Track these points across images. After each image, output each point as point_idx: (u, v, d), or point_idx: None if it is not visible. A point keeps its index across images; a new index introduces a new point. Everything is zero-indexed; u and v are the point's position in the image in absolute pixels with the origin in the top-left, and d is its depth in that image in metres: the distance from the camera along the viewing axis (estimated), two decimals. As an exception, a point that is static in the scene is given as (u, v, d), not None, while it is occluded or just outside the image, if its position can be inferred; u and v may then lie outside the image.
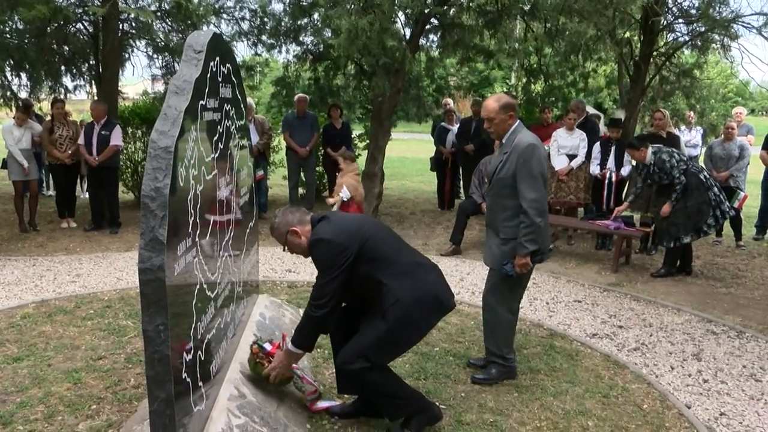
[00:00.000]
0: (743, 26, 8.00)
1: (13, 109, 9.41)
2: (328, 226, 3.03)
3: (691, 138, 9.45)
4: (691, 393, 3.88)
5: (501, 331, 3.85)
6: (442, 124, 10.12)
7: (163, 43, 9.78)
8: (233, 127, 3.55)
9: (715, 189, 6.19)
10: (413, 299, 2.97)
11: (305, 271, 6.33)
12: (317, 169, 10.05)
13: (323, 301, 2.94)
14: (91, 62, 9.95)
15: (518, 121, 3.72)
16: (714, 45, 8.70)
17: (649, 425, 3.41)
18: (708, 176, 6.32)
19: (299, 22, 9.52)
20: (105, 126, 7.77)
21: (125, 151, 9.46)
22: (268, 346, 3.26)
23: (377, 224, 3.30)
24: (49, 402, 3.38)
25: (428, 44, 9.99)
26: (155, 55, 10.11)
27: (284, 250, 3.23)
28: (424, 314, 3.05)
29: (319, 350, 4.14)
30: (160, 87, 10.73)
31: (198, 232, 2.69)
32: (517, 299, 3.91)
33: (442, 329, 4.68)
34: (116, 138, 7.82)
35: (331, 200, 7.08)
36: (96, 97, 9.04)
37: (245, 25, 9.92)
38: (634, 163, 7.40)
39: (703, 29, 8.40)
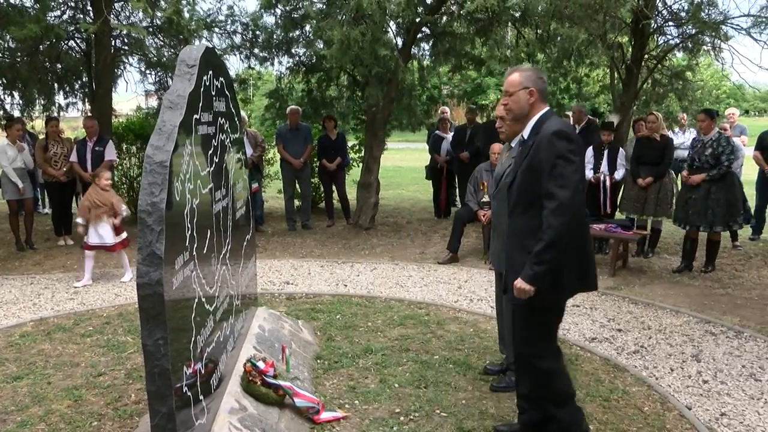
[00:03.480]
0: (732, 27, 8.06)
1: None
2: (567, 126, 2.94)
3: (684, 140, 9.50)
4: (692, 394, 3.88)
5: None
6: (437, 132, 10.14)
7: (155, 59, 9.82)
8: (228, 140, 3.56)
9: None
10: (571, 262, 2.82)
11: (303, 282, 6.33)
12: (312, 180, 10.07)
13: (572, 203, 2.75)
14: (84, 79, 9.97)
15: None
16: (705, 47, 8.76)
17: (651, 427, 3.41)
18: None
19: (291, 35, 9.56)
20: (98, 142, 7.80)
21: (120, 167, 9.47)
22: (261, 365, 3.26)
23: None
24: (50, 420, 3.37)
25: (420, 53, 10.06)
26: (148, 71, 10.14)
27: (495, 98, 3.08)
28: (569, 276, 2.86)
29: (319, 361, 4.14)
30: (153, 102, 10.77)
31: (195, 245, 2.70)
32: None
33: (441, 337, 4.68)
34: (110, 153, 7.87)
35: (117, 221, 6.37)
36: (89, 114, 9.05)
37: (237, 39, 9.95)
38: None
39: (693, 31, 8.46)
